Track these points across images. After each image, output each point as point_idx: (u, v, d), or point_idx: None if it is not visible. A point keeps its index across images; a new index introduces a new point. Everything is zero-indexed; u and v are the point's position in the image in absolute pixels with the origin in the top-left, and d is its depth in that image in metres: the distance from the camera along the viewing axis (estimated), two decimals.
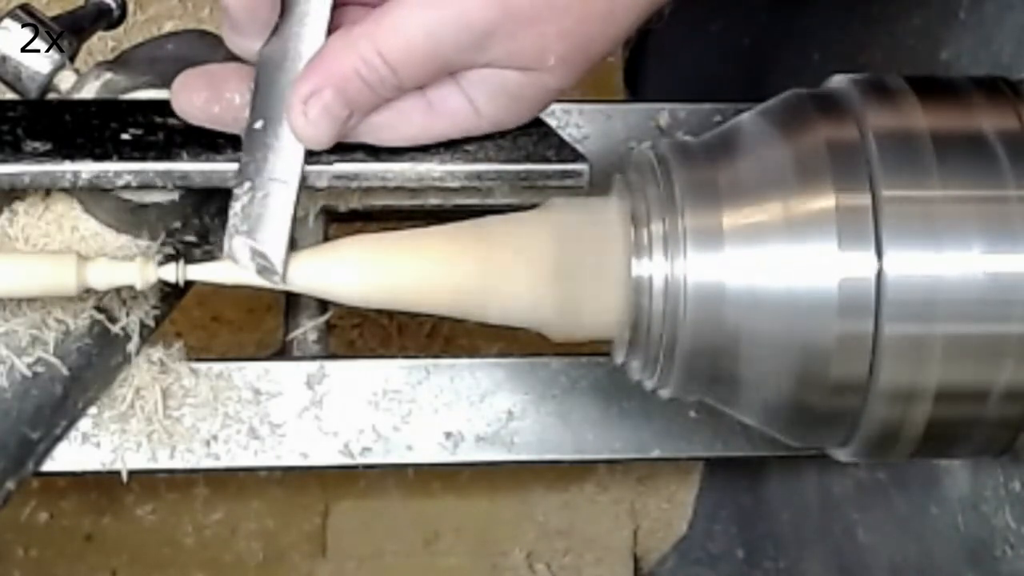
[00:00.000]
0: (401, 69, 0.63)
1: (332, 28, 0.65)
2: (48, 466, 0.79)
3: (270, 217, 0.65)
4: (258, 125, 0.65)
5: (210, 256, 0.76)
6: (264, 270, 0.65)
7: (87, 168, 0.68)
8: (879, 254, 0.62)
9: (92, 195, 0.73)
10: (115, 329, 0.77)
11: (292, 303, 0.87)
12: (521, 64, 0.63)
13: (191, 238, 0.75)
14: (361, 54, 0.63)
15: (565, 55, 0.63)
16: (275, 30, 0.65)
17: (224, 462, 0.81)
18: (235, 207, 0.65)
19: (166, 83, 0.73)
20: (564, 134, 0.70)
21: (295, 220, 0.65)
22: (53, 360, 0.75)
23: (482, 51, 0.63)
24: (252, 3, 0.64)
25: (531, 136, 0.69)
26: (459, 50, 0.62)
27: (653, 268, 0.64)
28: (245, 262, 0.65)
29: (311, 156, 0.66)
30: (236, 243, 0.65)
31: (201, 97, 0.66)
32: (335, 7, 0.65)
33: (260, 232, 0.65)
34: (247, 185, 0.65)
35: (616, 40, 0.65)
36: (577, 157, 0.69)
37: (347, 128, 0.65)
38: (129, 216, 0.73)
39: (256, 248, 0.64)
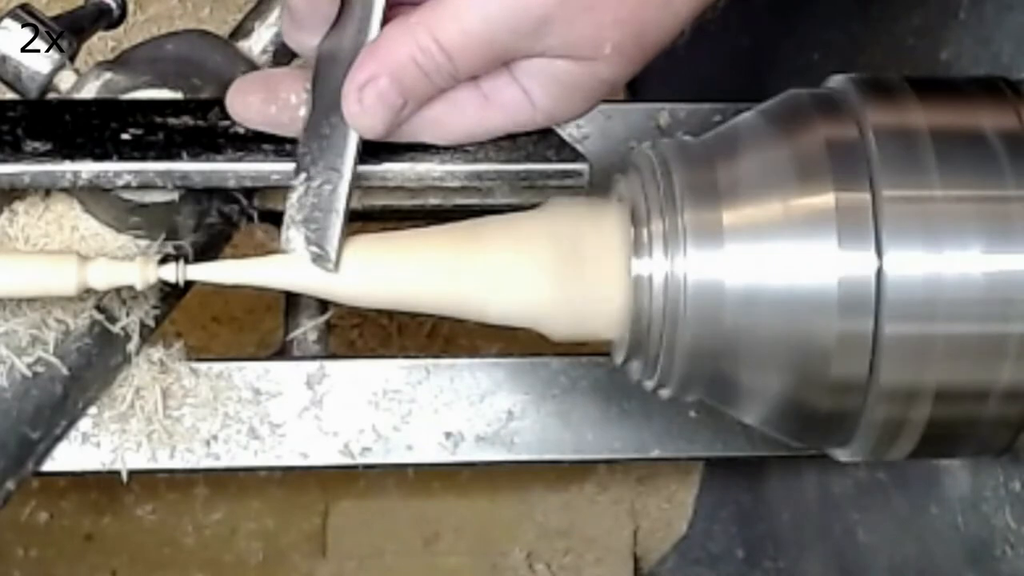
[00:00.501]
0: (457, 56, 0.62)
1: (385, 22, 0.65)
2: (48, 466, 0.79)
3: (325, 207, 0.65)
4: (316, 117, 0.65)
5: (210, 256, 0.76)
6: (318, 259, 0.65)
7: (87, 168, 0.68)
8: (879, 253, 0.62)
9: (92, 195, 0.73)
10: (115, 329, 0.77)
11: (292, 303, 0.87)
12: (576, 53, 0.63)
13: (191, 238, 0.75)
14: (417, 41, 0.62)
15: (621, 44, 0.63)
16: (334, 25, 0.65)
17: (224, 462, 0.81)
18: (291, 197, 0.65)
19: (166, 83, 0.73)
20: (564, 134, 0.70)
21: (348, 210, 0.65)
22: (53, 360, 0.75)
23: (538, 38, 0.62)
24: None
25: (531, 136, 0.69)
26: (516, 37, 0.62)
27: (653, 267, 0.64)
28: (301, 251, 0.65)
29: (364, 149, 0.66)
30: (292, 233, 0.65)
31: (257, 98, 0.67)
32: (390, 6, 0.65)
33: (316, 222, 0.65)
34: (303, 176, 0.65)
35: (672, 31, 0.64)
36: (577, 157, 0.69)
37: (402, 118, 0.65)
38: (129, 216, 0.73)
39: (311, 237, 0.65)
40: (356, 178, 0.65)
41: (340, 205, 0.65)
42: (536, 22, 0.62)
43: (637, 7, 0.62)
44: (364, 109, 0.64)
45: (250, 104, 0.67)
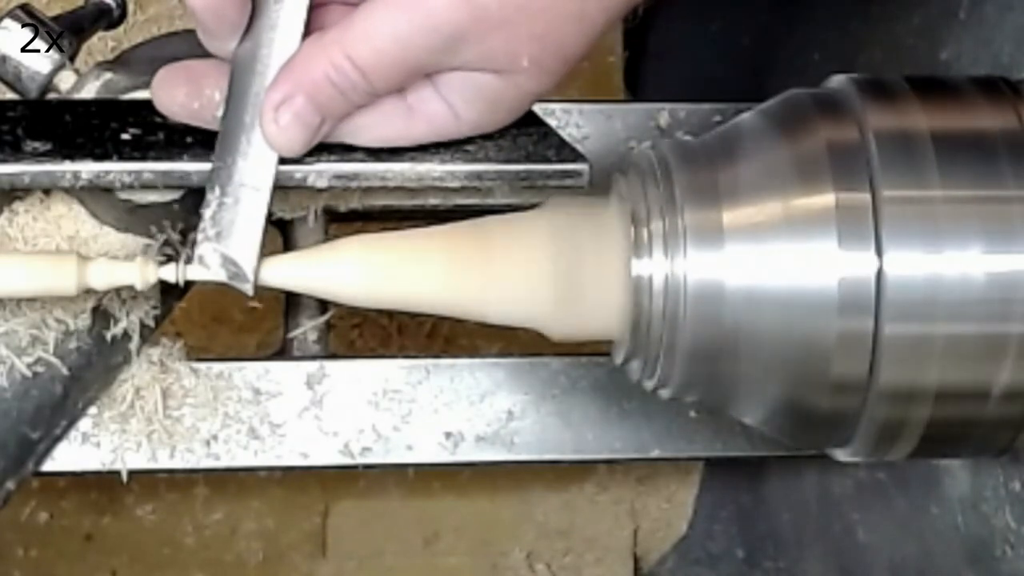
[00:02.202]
0: (372, 74, 0.62)
1: (312, 29, 0.65)
2: (48, 466, 0.79)
3: (241, 224, 0.64)
4: (230, 129, 0.65)
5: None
6: (235, 277, 0.64)
7: (87, 168, 0.68)
8: (879, 253, 0.62)
9: (92, 195, 0.73)
10: (115, 329, 0.77)
11: (292, 303, 0.87)
12: (494, 67, 0.63)
13: (191, 238, 0.75)
14: (331, 60, 0.62)
15: (538, 57, 0.63)
16: (246, 31, 0.65)
17: (224, 462, 0.81)
18: (205, 213, 0.65)
19: None
20: (564, 134, 0.70)
21: (267, 226, 0.65)
22: (53, 360, 0.75)
23: (453, 54, 0.62)
24: (218, 5, 0.63)
25: (531, 136, 0.69)
26: (429, 53, 0.62)
27: (653, 267, 0.64)
28: (216, 269, 0.64)
29: (285, 161, 0.65)
30: (206, 249, 0.64)
31: (181, 92, 0.66)
32: (314, 7, 0.65)
33: (231, 239, 0.64)
34: (218, 191, 0.65)
35: (590, 40, 0.64)
36: (577, 157, 0.69)
37: (320, 134, 0.65)
38: (129, 216, 0.73)
39: (227, 255, 0.64)
40: (274, 195, 0.65)
41: (258, 221, 0.64)
42: (448, 39, 0.62)
43: (551, 21, 0.62)
44: (281, 128, 0.64)
45: (174, 97, 0.66)
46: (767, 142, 0.65)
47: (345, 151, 0.67)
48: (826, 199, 0.63)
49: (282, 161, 0.65)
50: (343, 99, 0.63)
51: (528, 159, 0.69)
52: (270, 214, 0.65)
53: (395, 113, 0.65)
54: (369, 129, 0.66)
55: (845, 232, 0.62)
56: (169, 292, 0.78)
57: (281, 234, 0.85)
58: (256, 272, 0.64)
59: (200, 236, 0.64)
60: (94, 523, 1.21)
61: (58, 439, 0.79)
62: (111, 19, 0.82)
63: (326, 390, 0.82)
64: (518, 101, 0.66)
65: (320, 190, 0.68)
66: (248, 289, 0.65)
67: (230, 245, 0.64)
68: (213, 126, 0.66)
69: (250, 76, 0.65)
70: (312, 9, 0.65)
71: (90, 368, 0.77)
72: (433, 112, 0.65)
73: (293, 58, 0.64)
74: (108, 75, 0.74)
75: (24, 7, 0.76)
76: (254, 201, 0.65)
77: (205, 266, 0.65)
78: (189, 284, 0.67)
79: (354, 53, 0.62)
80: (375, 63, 0.62)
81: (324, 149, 0.66)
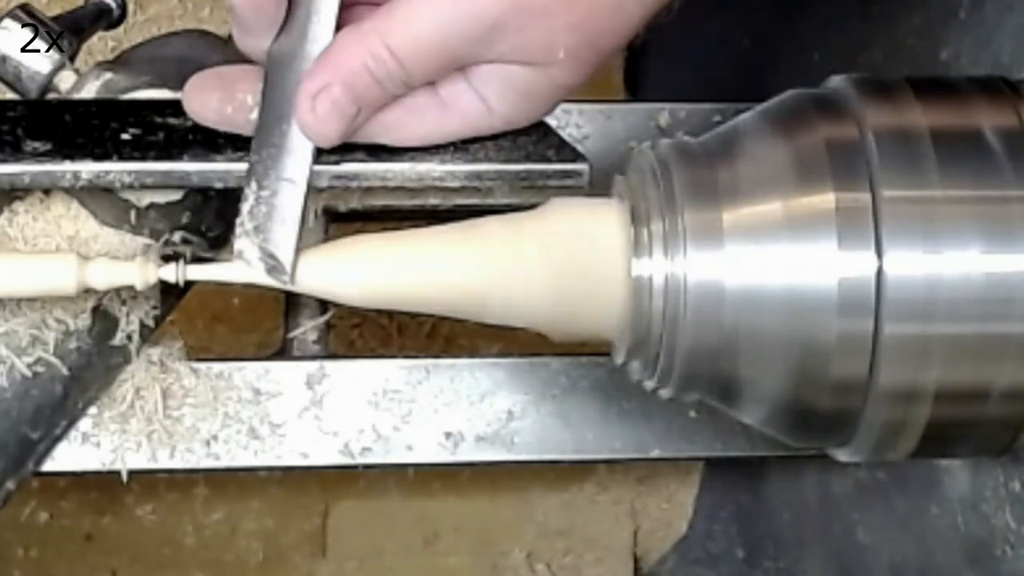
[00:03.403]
0: (409, 63, 0.63)
1: (340, 27, 0.65)
2: (48, 466, 0.79)
3: (278, 217, 0.65)
4: (267, 124, 0.65)
5: (211, 256, 0.76)
6: (273, 270, 0.65)
7: (87, 168, 0.68)
8: (879, 254, 0.62)
9: (92, 195, 0.73)
10: (115, 329, 0.77)
11: (292, 303, 0.87)
12: (530, 58, 0.63)
13: (191, 238, 0.75)
14: (370, 48, 0.62)
15: (575, 49, 0.63)
16: (283, 28, 0.65)
17: (224, 462, 0.81)
18: (243, 207, 0.65)
19: (166, 83, 0.73)
20: (564, 134, 0.70)
21: (304, 219, 0.65)
22: (53, 360, 0.75)
23: (491, 44, 0.62)
24: (258, 1, 0.64)
25: (531, 136, 0.69)
26: (468, 43, 0.62)
27: (653, 267, 0.64)
28: (254, 262, 0.65)
29: (319, 155, 0.66)
30: (244, 243, 0.65)
31: (214, 98, 0.66)
32: (344, 6, 0.65)
33: (269, 232, 0.64)
34: (255, 185, 0.65)
35: (626, 34, 0.64)
36: (577, 157, 0.69)
37: (356, 125, 0.65)
38: (129, 216, 0.73)
39: (265, 248, 0.64)
40: (311, 187, 0.65)
41: (295, 215, 0.65)
42: (487, 28, 0.62)
43: (589, 12, 0.62)
44: (318, 118, 0.64)
45: (207, 103, 0.67)
46: (767, 142, 0.65)
47: (345, 151, 0.67)
48: (826, 199, 0.63)
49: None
50: (380, 88, 0.63)
51: (528, 159, 0.69)
52: (306, 207, 0.65)
53: (428, 108, 0.65)
54: (402, 127, 0.66)
55: (845, 232, 0.62)
56: (169, 292, 0.78)
57: None
58: (294, 265, 0.64)
59: (239, 230, 0.65)
60: (94, 523, 1.21)
61: (58, 439, 0.79)
62: (111, 19, 0.82)
63: (326, 390, 0.82)
64: (551, 94, 0.66)
65: (320, 190, 0.68)
66: (287, 282, 0.65)
67: (268, 239, 0.64)
68: (247, 131, 0.66)
69: (287, 71, 0.65)
70: (343, 7, 0.65)
71: (90, 368, 0.77)
72: (466, 106, 0.65)
73: (330, 48, 0.64)
74: (108, 75, 0.74)
75: (24, 7, 0.76)
76: (291, 194, 0.65)
77: (244, 260, 0.65)
78: (189, 284, 0.67)
79: (393, 42, 0.62)
80: (413, 52, 0.62)
81: (323, 149, 0.66)
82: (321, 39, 0.65)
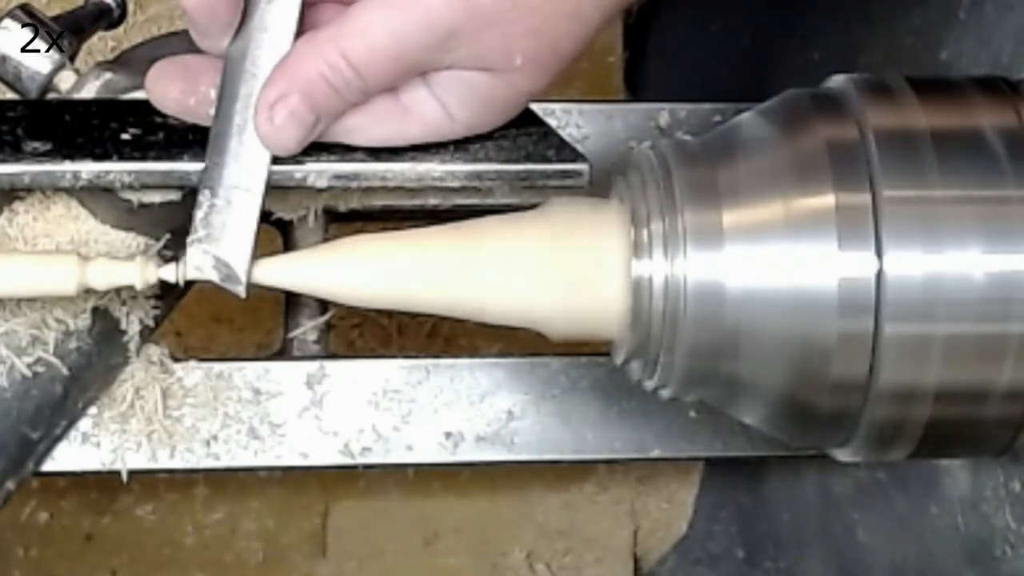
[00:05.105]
0: (366, 72, 0.62)
1: (305, 28, 0.64)
2: (48, 466, 0.79)
3: (233, 225, 0.64)
4: (221, 130, 0.65)
5: None
6: (227, 279, 0.64)
7: (87, 168, 0.68)
8: (879, 254, 0.62)
9: (92, 195, 0.73)
10: (115, 329, 0.77)
11: (292, 303, 0.87)
12: (488, 65, 0.63)
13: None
14: (326, 58, 0.62)
15: (533, 55, 0.63)
16: (238, 32, 0.65)
17: (224, 462, 0.81)
18: (197, 215, 0.64)
19: None
20: (564, 134, 0.70)
21: (259, 228, 0.64)
22: (53, 360, 0.75)
23: (447, 52, 0.62)
24: (211, 4, 0.63)
25: (531, 136, 0.69)
26: (424, 51, 0.62)
27: (653, 268, 0.64)
28: (207, 271, 0.64)
29: (283, 161, 0.65)
30: (196, 251, 0.64)
31: (177, 89, 0.66)
32: (306, 7, 0.65)
33: (223, 241, 0.64)
34: (208, 193, 0.64)
35: (585, 39, 0.64)
36: (577, 157, 0.69)
37: (315, 133, 0.65)
38: (129, 216, 0.73)
39: (219, 257, 0.64)
40: (266, 195, 0.65)
41: (251, 223, 0.64)
42: (443, 36, 0.62)
43: (547, 18, 0.62)
44: (275, 127, 0.64)
45: (169, 93, 0.66)
46: (767, 142, 0.65)
47: (345, 151, 0.67)
48: (826, 199, 0.63)
49: (281, 161, 0.65)
50: (338, 97, 0.63)
51: (528, 159, 0.69)
52: (266, 215, 0.65)
53: (389, 114, 0.65)
54: (363, 130, 0.66)
55: (845, 232, 0.62)
56: (169, 292, 0.78)
57: (281, 234, 0.86)
58: (248, 274, 0.64)
59: (191, 238, 0.64)
60: (94, 523, 1.21)
61: (58, 439, 0.79)
62: (111, 19, 0.82)
63: (326, 390, 0.82)
64: (512, 100, 0.66)
65: (320, 190, 0.68)
66: (240, 291, 0.64)
67: (221, 247, 0.64)
68: (208, 123, 0.66)
69: (241, 76, 0.65)
70: (304, 9, 0.65)
71: (90, 368, 0.77)
72: (427, 112, 0.65)
73: (287, 57, 0.64)
74: (108, 75, 0.74)
75: (24, 7, 0.76)
76: (246, 202, 0.64)
77: (196, 268, 0.64)
78: (189, 284, 0.67)
79: (349, 51, 0.62)
80: (369, 60, 0.62)
81: (323, 149, 0.66)
82: (275, 43, 0.64)
